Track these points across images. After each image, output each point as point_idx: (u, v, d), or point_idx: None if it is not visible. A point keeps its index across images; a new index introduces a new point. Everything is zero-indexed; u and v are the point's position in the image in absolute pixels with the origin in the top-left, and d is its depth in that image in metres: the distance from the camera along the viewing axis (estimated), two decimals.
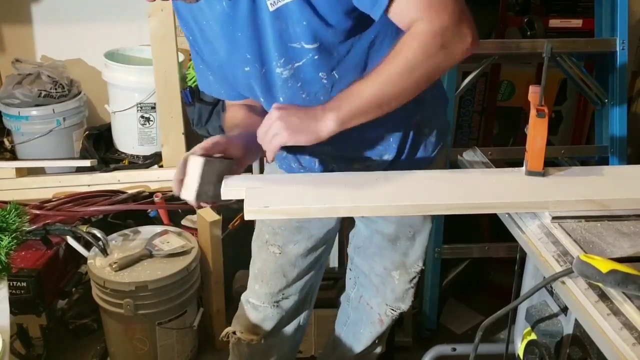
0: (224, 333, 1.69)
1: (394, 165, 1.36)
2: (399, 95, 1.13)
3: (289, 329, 1.70)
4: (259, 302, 1.61)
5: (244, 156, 1.24)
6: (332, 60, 1.19)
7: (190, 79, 2.27)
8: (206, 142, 1.18)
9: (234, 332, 1.66)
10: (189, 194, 1.14)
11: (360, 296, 1.71)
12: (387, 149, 1.35)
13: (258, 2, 1.13)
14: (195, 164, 1.13)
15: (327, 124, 1.13)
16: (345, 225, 1.84)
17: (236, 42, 1.20)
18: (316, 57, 1.18)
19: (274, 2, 1.11)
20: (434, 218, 1.63)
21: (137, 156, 2.39)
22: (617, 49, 2.02)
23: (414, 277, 1.60)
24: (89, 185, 2.25)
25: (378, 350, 1.81)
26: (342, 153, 1.35)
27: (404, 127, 1.34)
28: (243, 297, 1.66)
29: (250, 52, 1.20)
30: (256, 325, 1.63)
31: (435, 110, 1.41)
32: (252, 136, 1.22)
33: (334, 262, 2.36)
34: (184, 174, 1.15)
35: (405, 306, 1.65)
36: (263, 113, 1.32)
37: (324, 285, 1.88)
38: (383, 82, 1.11)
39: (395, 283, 1.60)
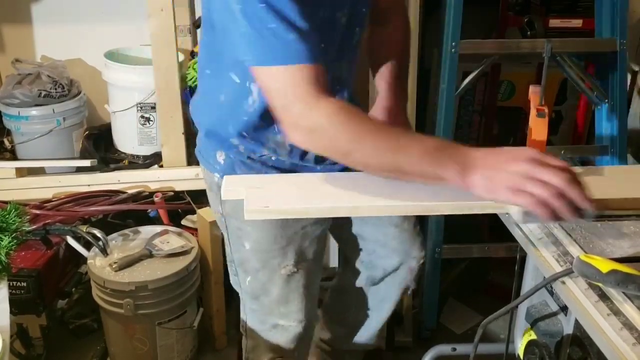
0: None
1: None
2: None
3: (312, 336, 1.69)
4: (289, 322, 1.55)
5: None
6: (365, 19, 1.35)
7: (190, 79, 2.27)
8: None
9: None
10: None
11: (380, 277, 1.68)
12: None
13: None
14: None
15: None
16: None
17: None
18: (364, 9, 1.33)
19: None
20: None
21: (137, 156, 2.39)
22: (617, 49, 2.01)
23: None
24: (89, 185, 2.24)
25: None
26: None
27: None
28: (261, 324, 1.57)
29: None
30: (289, 344, 1.58)
31: None
32: None
33: (334, 262, 2.36)
34: None
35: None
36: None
37: (325, 285, 1.87)
38: None
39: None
